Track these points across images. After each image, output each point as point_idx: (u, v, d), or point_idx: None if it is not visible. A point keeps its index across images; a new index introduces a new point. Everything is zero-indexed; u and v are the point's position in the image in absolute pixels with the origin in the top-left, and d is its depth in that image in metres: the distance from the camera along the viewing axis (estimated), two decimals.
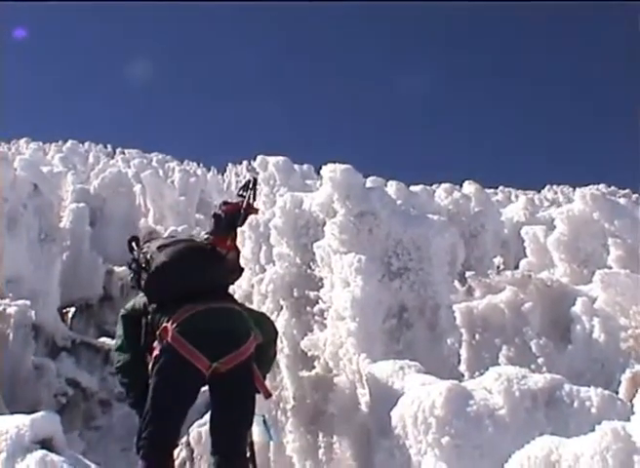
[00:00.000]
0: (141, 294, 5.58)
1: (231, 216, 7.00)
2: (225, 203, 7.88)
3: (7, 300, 12.70)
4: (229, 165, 53.60)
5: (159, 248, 5.49)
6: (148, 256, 5.46)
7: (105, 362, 14.23)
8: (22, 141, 45.10)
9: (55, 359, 14.25)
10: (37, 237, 15.97)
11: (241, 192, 8.49)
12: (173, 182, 30.08)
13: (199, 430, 9.02)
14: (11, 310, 12.39)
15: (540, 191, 41.95)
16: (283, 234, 6.80)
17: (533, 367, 6.15)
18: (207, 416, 5.72)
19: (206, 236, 6.44)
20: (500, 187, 39.21)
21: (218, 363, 5.04)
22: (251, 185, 8.20)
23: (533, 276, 7.03)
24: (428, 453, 4.33)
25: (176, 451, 5.55)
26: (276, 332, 6.07)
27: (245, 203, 7.87)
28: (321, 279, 6.48)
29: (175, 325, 5.07)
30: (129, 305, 5.65)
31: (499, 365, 6.05)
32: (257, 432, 5.93)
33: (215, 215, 7.26)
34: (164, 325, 5.12)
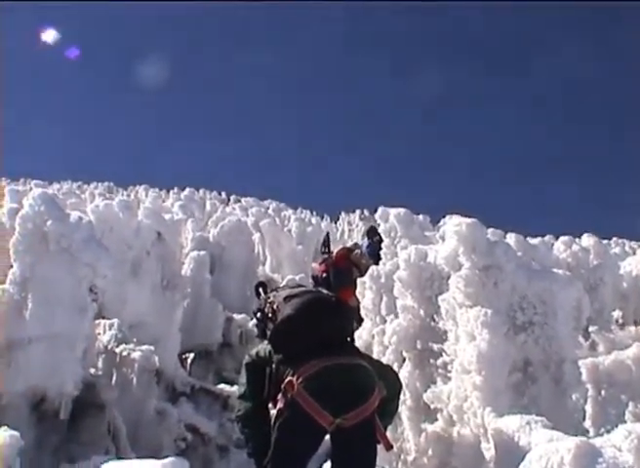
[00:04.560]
0: (266, 342, 5.67)
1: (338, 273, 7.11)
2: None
3: (131, 345, 12.99)
4: (342, 213, 54.00)
5: (285, 298, 5.58)
6: (275, 307, 5.55)
7: (224, 408, 14.35)
8: (141, 189, 46.58)
9: (174, 404, 14.47)
10: (160, 284, 16.33)
11: (323, 249, 8.88)
12: (289, 231, 30.50)
13: None
14: (135, 355, 12.65)
15: None
16: (408, 286, 6.89)
17: None
18: (326, 465, 5.78)
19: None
20: (614, 238, 38.41)
21: (341, 419, 5.10)
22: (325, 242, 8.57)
23: None
24: None
25: None
26: (400, 385, 6.10)
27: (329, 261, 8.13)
28: (445, 332, 6.53)
29: (300, 380, 5.13)
30: (253, 352, 5.70)
31: (625, 421, 5.97)
32: None
33: (313, 278, 7.43)
34: (289, 378, 5.20)
